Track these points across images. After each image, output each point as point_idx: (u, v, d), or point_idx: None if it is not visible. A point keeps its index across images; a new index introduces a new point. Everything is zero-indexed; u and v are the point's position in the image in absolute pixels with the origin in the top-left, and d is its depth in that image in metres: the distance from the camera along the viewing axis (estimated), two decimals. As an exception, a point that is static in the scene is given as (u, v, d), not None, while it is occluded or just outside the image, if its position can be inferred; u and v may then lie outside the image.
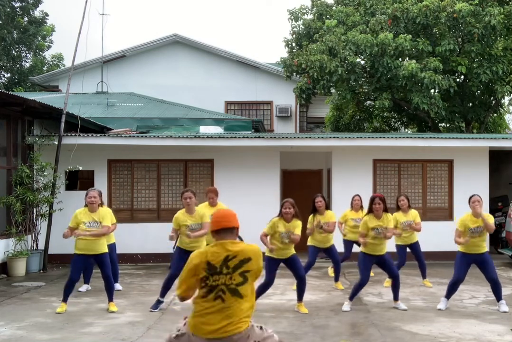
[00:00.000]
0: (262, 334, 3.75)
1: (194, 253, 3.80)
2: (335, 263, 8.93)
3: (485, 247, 7.43)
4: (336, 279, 9.04)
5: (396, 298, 7.57)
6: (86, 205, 7.40)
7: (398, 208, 9.09)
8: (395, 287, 7.53)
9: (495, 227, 7.43)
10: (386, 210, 7.38)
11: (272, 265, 7.20)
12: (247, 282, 3.69)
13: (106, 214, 7.43)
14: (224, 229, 3.76)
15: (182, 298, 3.79)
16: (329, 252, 8.85)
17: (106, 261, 7.34)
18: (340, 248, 9.32)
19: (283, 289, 8.61)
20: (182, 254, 7.24)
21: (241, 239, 12.04)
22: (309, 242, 8.81)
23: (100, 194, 7.66)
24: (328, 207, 8.82)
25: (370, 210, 7.37)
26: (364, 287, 7.53)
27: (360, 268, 7.44)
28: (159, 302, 7.44)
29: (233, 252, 3.68)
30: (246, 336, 3.66)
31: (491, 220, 7.28)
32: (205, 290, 3.68)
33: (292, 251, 7.31)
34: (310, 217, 8.61)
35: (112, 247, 8.36)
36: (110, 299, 7.40)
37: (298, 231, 7.13)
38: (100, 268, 7.34)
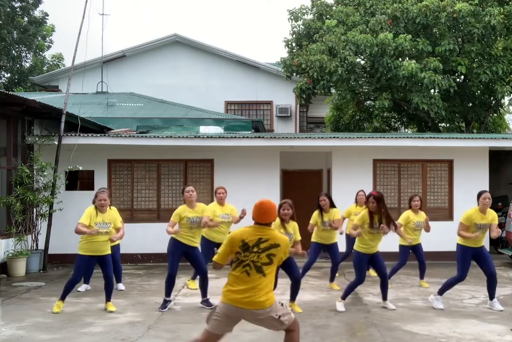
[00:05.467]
0: (282, 309, 4.43)
1: (234, 231, 4.62)
2: (334, 263, 8.89)
3: (483, 241, 7.43)
4: (332, 279, 9.00)
5: (384, 297, 7.54)
6: (94, 203, 7.37)
7: (409, 208, 9.00)
8: (384, 287, 7.51)
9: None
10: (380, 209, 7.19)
11: None
12: (272, 264, 4.40)
13: (116, 216, 7.51)
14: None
15: (215, 265, 4.55)
16: (331, 250, 8.80)
17: (109, 261, 7.37)
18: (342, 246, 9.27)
19: (284, 289, 8.58)
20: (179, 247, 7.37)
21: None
22: (313, 238, 8.80)
23: (110, 195, 7.69)
24: (333, 205, 8.77)
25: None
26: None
27: (357, 267, 7.37)
28: (166, 302, 7.43)
29: (266, 236, 4.45)
30: (269, 310, 4.33)
31: (495, 221, 7.24)
32: (236, 264, 4.41)
33: None
34: (315, 213, 8.69)
35: (116, 248, 8.43)
36: (108, 299, 7.39)
37: (297, 235, 7.07)
38: (102, 268, 7.33)
